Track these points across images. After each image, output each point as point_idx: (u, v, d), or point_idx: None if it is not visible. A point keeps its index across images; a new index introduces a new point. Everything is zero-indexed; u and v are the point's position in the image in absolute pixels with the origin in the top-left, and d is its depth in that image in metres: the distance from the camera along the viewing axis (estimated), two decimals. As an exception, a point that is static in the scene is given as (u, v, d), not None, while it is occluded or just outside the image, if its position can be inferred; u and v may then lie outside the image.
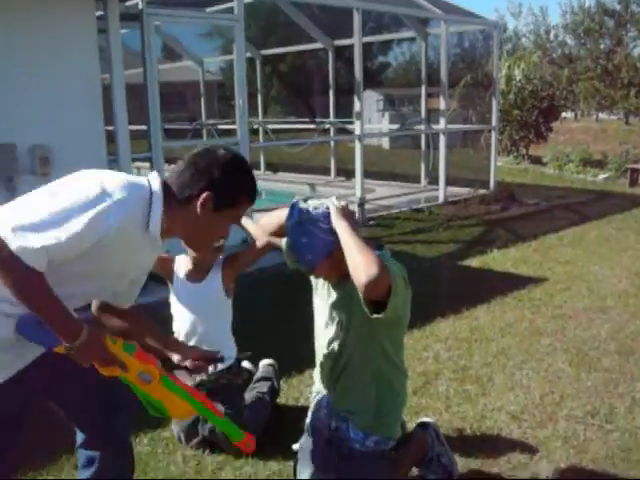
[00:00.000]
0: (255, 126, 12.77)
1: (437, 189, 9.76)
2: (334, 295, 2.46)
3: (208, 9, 8.71)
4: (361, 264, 2.08)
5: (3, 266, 1.69)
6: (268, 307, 4.83)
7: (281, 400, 3.44)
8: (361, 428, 2.48)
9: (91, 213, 1.72)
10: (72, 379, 2.07)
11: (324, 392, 2.63)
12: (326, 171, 12.30)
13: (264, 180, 11.02)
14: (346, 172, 11.75)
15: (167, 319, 3.08)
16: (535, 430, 3.18)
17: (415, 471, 2.79)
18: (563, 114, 20.13)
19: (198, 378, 2.94)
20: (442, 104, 9.53)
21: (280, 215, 2.56)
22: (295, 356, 3.60)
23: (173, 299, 3.03)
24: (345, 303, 2.41)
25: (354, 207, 7.73)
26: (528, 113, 14.95)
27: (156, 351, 2.28)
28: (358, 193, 8.27)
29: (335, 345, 2.48)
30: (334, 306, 2.46)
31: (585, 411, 3.35)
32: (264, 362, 3.54)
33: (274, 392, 3.36)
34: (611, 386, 3.63)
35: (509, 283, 5.58)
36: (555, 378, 3.75)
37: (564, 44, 26.44)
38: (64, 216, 1.71)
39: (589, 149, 14.99)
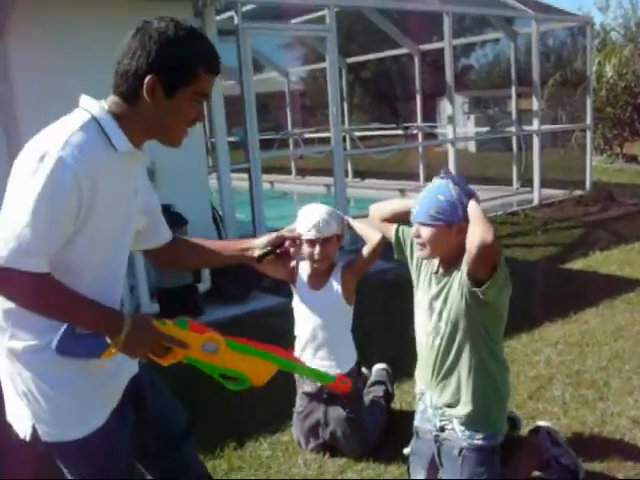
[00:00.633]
0: (342, 134, 12.89)
1: (530, 191, 9.59)
2: (435, 286, 2.52)
3: (294, 20, 8.88)
4: (481, 230, 2.23)
5: (4, 285, 1.55)
6: (374, 313, 4.85)
7: (395, 405, 3.47)
8: (466, 425, 2.49)
9: (43, 174, 1.52)
10: (145, 404, 1.99)
11: (427, 392, 2.66)
12: (414, 177, 12.23)
13: (352, 187, 11.09)
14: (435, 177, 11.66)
15: (276, 325, 3.15)
16: (659, 436, 3.09)
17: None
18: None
19: (319, 383, 3.00)
20: (535, 104, 9.35)
21: (398, 202, 2.68)
22: (404, 361, 3.60)
23: (296, 303, 3.08)
24: (445, 293, 2.47)
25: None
26: (622, 110, 14.48)
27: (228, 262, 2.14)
28: (451, 197, 8.19)
29: (435, 338, 2.52)
30: (434, 297, 2.51)
31: None
32: (377, 366, 3.58)
33: (389, 396, 3.39)
34: None
35: (616, 286, 5.42)
36: (674, 383, 3.63)
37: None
38: (29, 202, 1.51)
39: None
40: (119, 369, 1.87)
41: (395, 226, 2.73)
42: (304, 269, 3.05)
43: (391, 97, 20.19)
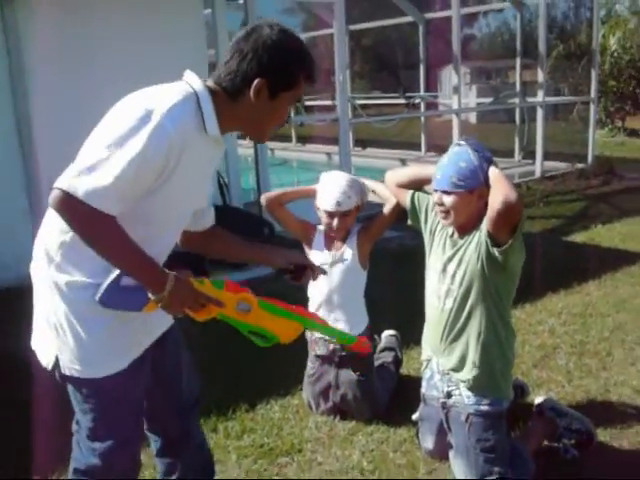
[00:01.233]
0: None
1: (532, 164, 9.59)
2: (449, 250, 2.56)
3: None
4: (507, 188, 2.29)
5: (75, 216, 1.62)
6: (385, 281, 4.88)
7: (403, 371, 3.53)
8: (473, 390, 2.54)
9: (146, 133, 1.62)
10: (165, 366, 2.08)
11: (434, 359, 2.71)
12: (416, 147, 12.24)
13: (353, 156, 11.06)
14: (437, 147, 11.66)
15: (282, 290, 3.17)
16: (661, 405, 3.16)
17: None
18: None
19: (331, 346, 3.06)
20: (540, 76, 9.32)
21: (415, 169, 2.72)
22: (411, 328, 3.65)
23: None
24: (460, 255, 2.52)
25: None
26: (625, 84, 14.45)
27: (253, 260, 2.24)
28: (454, 168, 8.20)
29: (447, 300, 2.57)
30: (449, 260, 2.56)
31: None
32: (387, 333, 3.64)
33: (398, 362, 3.45)
34: None
35: (618, 259, 5.48)
36: (677, 354, 3.70)
37: (661, 10, 25.22)
38: (120, 147, 1.61)
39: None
40: (151, 322, 1.94)
41: (410, 192, 2.76)
42: (321, 232, 3.09)
43: (393, 66, 20.02)
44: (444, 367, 2.63)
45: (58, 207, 1.61)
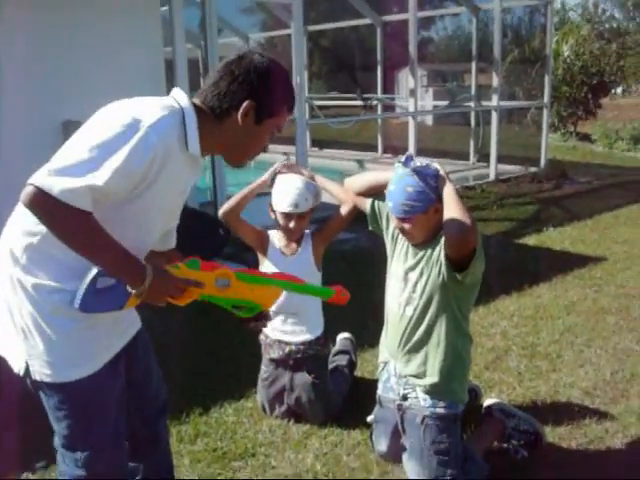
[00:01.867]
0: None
1: (487, 166, 9.73)
2: (411, 259, 2.58)
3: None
4: (459, 215, 2.29)
5: (50, 214, 1.59)
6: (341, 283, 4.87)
7: (357, 373, 3.54)
8: (429, 394, 2.57)
9: (131, 142, 1.62)
10: (135, 370, 2.06)
11: (391, 361, 2.73)
12: (373, 148, 12.30)
13: (310, 157, 11.05)
14: (393, 149, 11.75)
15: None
16: (608, 406, 3.23)
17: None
18: (612, 90, 19.76)
19: (287, 349, 3.06)
20: (494, 80, 9.46)
21: (373, 176, 2.72)
22: (367, 331, 3.69)
23: (265, 270, 3.09)
24: (422, 266, 2.53)
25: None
26: (577, 89, 14.74)
27: None
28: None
29: (407, 309, 2.59)
30: (410, 269, 2.57)
31: (658, 389, 3.39)
32: (342, 336, 3.64)
33: (352, 365, 3.46)
34: (682, 365, 3.66)
35: (569, 262, 5.59)
36: (624, 356, 3.78)
37: (612, 18, 25.86)
38: (103, 151, 1.60)
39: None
40: (122, 322, 1.93)
41: (370, 200, 2.77)
42: (275, 237, 3.09)
43: (351, 67, 20.08)
44: (401, 372, 2.65)
45: (31, 204, 1.58)
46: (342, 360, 3.42)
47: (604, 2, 25.61)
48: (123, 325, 1.96)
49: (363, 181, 2.80)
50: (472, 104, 10.79)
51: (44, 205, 1.57)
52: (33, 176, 1.57)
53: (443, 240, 2.41)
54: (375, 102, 12.66)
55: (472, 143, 10.83)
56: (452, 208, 2.34)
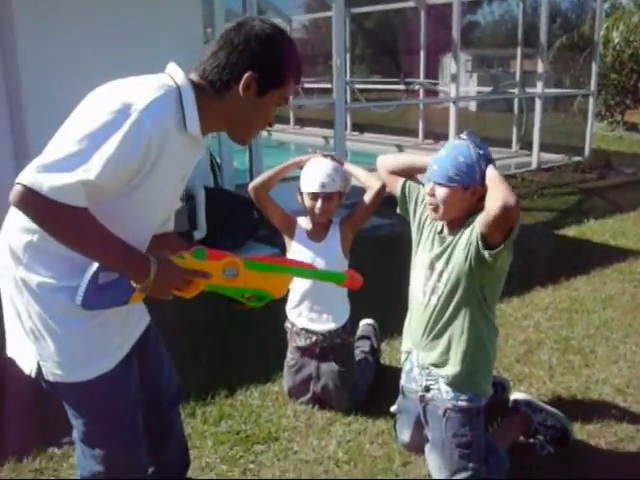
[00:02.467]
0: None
1: (529, 155, 9.56)
2: (438, 247, 2.53)
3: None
4: (504, 192, 2.24)
5: (42, 213, 1.50)
6: (372, 270, 4.82)
7: (385, 361, 3.52)
8: (452, 386, 2.52)
9: (122, 129, 1.51)
10: (146, 364, 2.01)
11: (414, 351, 2.69)
12: (413, 133, 12.17)
13: (350, 141, 11.01)
14: (434, 135, 11.62)
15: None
16: (641, 405, 3.15)
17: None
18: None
19: (313, 337, 3.05)
20: (540, 67, 9.25)
21: (411, 157, 2.69)
22: (395, 318, 3.64)
23: (291, 256, 3.07)
24: (448, 254, 2.48)
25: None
26: (626, 77, 14.35)
27: None
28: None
29: (432, 298, 2.54)
30: (437, 257, 2.52)
31: (695, 389, 3.30)
32: (364, 322, 3.62)
33: (374, 351, 3.44)
34: None
35: (608, 255, 5.46)
36: (661, 354, 3.69)
37: (666, 4, 25.06)
38: (92, 142, 1.49)
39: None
40: (131, 318, 1.88)
41: (402, 180, 2.72)
42: (303, 222, 3.07)
43: (394, 51, 19.83)
44: (424, 361, 2.61)
45: (20, 204, 1.49)
46: (364, 346, 3.40)
47: (658, -13, 24.82)
48: (133, 320, 1.91)
49: (399, 160, 2.76)
50: (516, 91, 10.58)
51: (34, 204, 1.48)
52: (21, 174, 1.47)
53: (477, 219, 2.35)
54: (417, 87, 12.50)
55: (515, 130, 10.63)
56: (498, 185, 2.29)
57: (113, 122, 1.52)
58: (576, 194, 8.00)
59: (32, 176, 1.46)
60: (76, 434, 1.92)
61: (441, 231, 2.55)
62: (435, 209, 2.46)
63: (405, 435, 2.74)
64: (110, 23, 5.31)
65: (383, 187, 2.90)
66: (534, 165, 9.28)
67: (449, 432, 2.50)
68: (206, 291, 1.80)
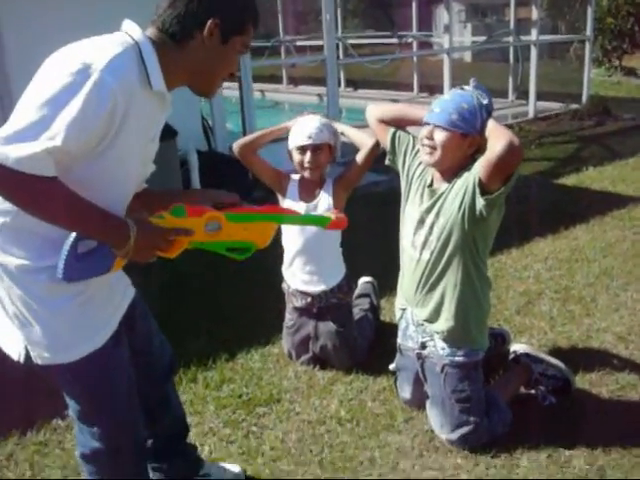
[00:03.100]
0: (335, 42, 12.56)
1: (526, 104, 9.44)
2: (427, 200, 2.49)
3: None
4: (507, 134, 2.21)
5: (10, 187, 1.44)
6: (363, 226, 4.82)
7: (384, 318, 3.51)
8: (447, 341, 2.51)
9: (84, 90, 1.44)
10: (136, 339, 1.97)
11: (408, 309, 2.67)
12: (408, 87, 12.03)
13: (344, 97, 10.87)
14: (429, 88, 11.48)
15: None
16: (643, 351, 3.15)
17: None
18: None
19: (308, 298, 3.04)
20: (534, 14, 9.08)
21: (404, 107, 2.66)
22: (394, 274, 3.63)
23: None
24: (438, 206, 2.44)
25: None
26: (623, 21, 14.11)
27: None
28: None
29: (424, 252, 2.50)
30: (427, 210, 2.48)
31: (696, 334, 3.29)
32: (363, 279, 3.60)
33: (374, 309, 3.43)
34: None
35: (608, 202, 5.41)
36: (662, 300, 3.67)
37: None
38: (54, 107, 1.43)
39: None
40: (115, 292, 1.84)
41: (392, 130, 2.65)
42: (295, 181, 3.02)
43: (386, 4, 19.52)
44: (419, 317, 2.59)
45: None
46: (364, 304, 3.39)
47: None
48: (118, 295, 1.86)
49: (390, 110, 2.69)
50: (511, 39, 10.40)
51: (1, 179, 1.41)
52: None
53: (476, 164, 2.30)
54: (410, 39, 12.31)
55: (511, 80, 10.48)
56: (501, 129, 2.26)
57: (73, 84, 1.45)
58: (574, 142, 7.91)
59: None
60: (72, 412, 1.90)
61: (431, 184, 2.50)
62: (431, 152, 2.39)
63: (406, 392, 2.74)
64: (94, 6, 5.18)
65: (376, 145, 2.83)
66: (531, 114, 9.18)
67: (448, 388, 2.49)
68: (189, 248, 1.76)
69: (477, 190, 2.28)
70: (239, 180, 5.29)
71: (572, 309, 3.59)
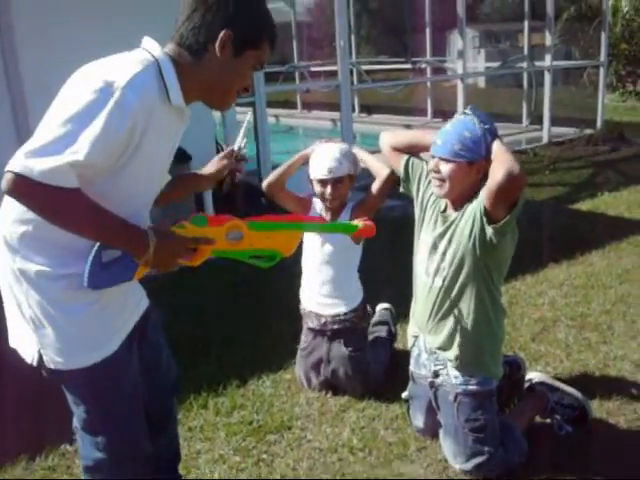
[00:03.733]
0: (349, 67, 12.65)
1: (540, 129, 9.43)
2: (440, 226, 2.47)
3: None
4: (509, 161, 2.18)
5: (34, 198, 1.50)
6: (384, 252, 4.79)
7: (398, 345, 3.46)
8: (460, 370, 2.47)
9: (107, 107, 1.50)
10: (145, 349, 1.99)
11: (421, 336, 2.64)
12: (422, 112, 12.05)
13: (358, 123, 10.91)
14: (443, 113, 11.49)
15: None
16: (661, 380, 3.09)
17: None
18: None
19: (323, 320, 3.04)
20: (547, 39, 9.09)
21: (416, 134, 2.63)
22: (409, 300, 3.60)
23: (305, 237, 3.07)
24: (451, 232, 2.42)
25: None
26: (637, 47, 14.11)
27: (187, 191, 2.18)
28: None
29: (436, 279, 2.48)
30: (440, 236, 2.46)
31: None
32: (381, 306, 3.57)
33: (392, 336, 3.39)
34: None
35: (623, 228, 5.36)
36: (680, 328, 3.61)
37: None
38: (78, 123, 1.49)
39: None
40: (129, 301, 1.87)
41: (406, 157, 2.64)
42: (317, 205, 3.07)
43: (399, 30, 19.65)
44: (431, 345, 2.56)
45: (13, 191, 1.49)
46: (382, 331, 3.35)
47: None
48: (133, 303, 1.90)
49: (403, 136, 2.68)
50: (524, 65, 10.42)
51: (27, 190, 1.48)
52: (10, 162, 1.47)
53: (481, 193, 2.28)
54: (424, 65, 12.36)
55: (525, 105, 10.49)
56: (502, 155, 2.23)
57: (96, 101, 1.51)
58: (589, 167, 7.87)
59: (21, 162, 1.46)
60: (77, 422, 1.90)
61: (444, 210, 2.49)
62: (440, 185, 2.39)
63: (418, 421, 2.69)
64: (107, 10, 5.25)
65: (392, 175, 2.84)
66: (545, 140, 9.16)
67: (461, 417, 2.45)
68: (212, 257, 1.80)
69: (484, 219, 2.27)
70: (252, 203, 5.31)
71: (588, 336, 3.53)
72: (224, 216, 1.82)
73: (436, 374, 2.54)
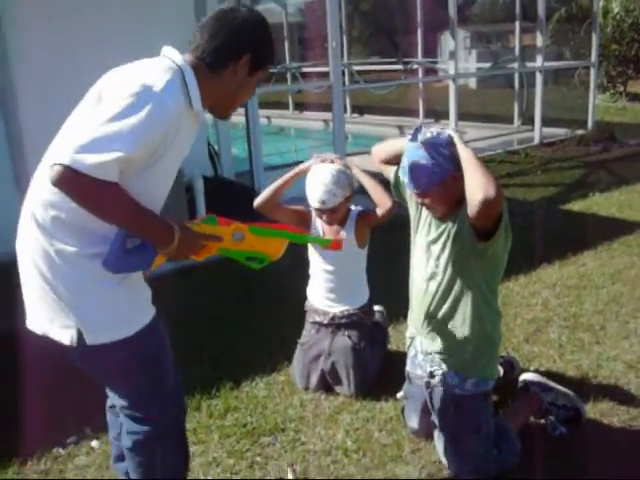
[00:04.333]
0: (341, 68, 12.64)
1: (531, 130, 9.44)
2: (434, 231, 2.46)
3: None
4: (482, 182, 2.13)
5: (82, 190, 1.64)
6: (377, 254, 4.79)
7: (391, 347, 3.46)
8: (457, 371, 2.47)
9: (148, 109, 1.66)
10: None
11: (417, 337, 2.64)
12: (414, 113, 12.05)
13: (350, 123, 10.91)
14: (435, 113, 11.51)
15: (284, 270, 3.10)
16: (654, 380, 3.09)
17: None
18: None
19: (330, 315, 3.10)
20: (539, 40, 9.11)
21: (397, 143, 2.59)
22: (404, 302, 3.59)
23: (311, 249, 3.14)
24: (444, 239, 2.41)
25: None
26: (627, 47, 14.17)
27: None
28: (451, 135, 8.09)
29: (430, 284, 2.48)
30: (433, 241, 2.46)
31: None
32: (375, 308, 3.56)
33: (385, 338, 3.39)
34: None
35: (615, 228, 5.37)
36: (672, 327, 3.62)
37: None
38: (122, 122, 1.64)
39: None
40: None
41: (395, 169, 2.64)
42: (317, 219, 3.11)
43: (391, 31, 19.68)
44: (427, 349, 2.55)
45: (61, 183, 1.62)
46: (376, 332, 3.34)
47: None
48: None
49: (389, 149, 2.66)
50: (516, 65, 10.45)
51: (76, 182, 1.62)
52: (59, 156, 1.61)
53: (468, 212, 2.26)
54: (416, 66, 12.37)
55: (516, 106, 10.51)
56: (472, 173, 2.17)
57: (137, 104, 1.67)
58: (580, 168, 7.89)
59: (71, 156, 1.60)
60: (121, 400, 1.97)
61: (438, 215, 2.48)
62: (433, 212, 2.43)
63: (413, 422, 2.69)
64: (98, 15, 5.23)
65: (394, 206, 2.90)
66: (537, 140, 9.17)
67: (457, 418, 2.44)
68: (214, 254, 1.98)
69: (472, 235, 2.28)
70: (244, 206, 5.29)
71: (581, 337, 3.54)
72: (229, 219, 2.00)
73: (432, 375, 2.53)
